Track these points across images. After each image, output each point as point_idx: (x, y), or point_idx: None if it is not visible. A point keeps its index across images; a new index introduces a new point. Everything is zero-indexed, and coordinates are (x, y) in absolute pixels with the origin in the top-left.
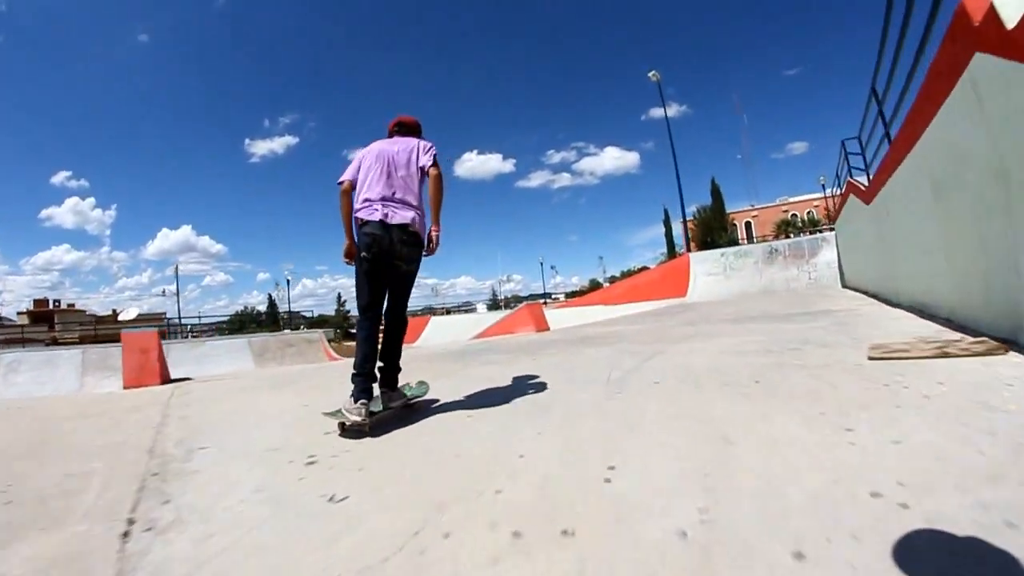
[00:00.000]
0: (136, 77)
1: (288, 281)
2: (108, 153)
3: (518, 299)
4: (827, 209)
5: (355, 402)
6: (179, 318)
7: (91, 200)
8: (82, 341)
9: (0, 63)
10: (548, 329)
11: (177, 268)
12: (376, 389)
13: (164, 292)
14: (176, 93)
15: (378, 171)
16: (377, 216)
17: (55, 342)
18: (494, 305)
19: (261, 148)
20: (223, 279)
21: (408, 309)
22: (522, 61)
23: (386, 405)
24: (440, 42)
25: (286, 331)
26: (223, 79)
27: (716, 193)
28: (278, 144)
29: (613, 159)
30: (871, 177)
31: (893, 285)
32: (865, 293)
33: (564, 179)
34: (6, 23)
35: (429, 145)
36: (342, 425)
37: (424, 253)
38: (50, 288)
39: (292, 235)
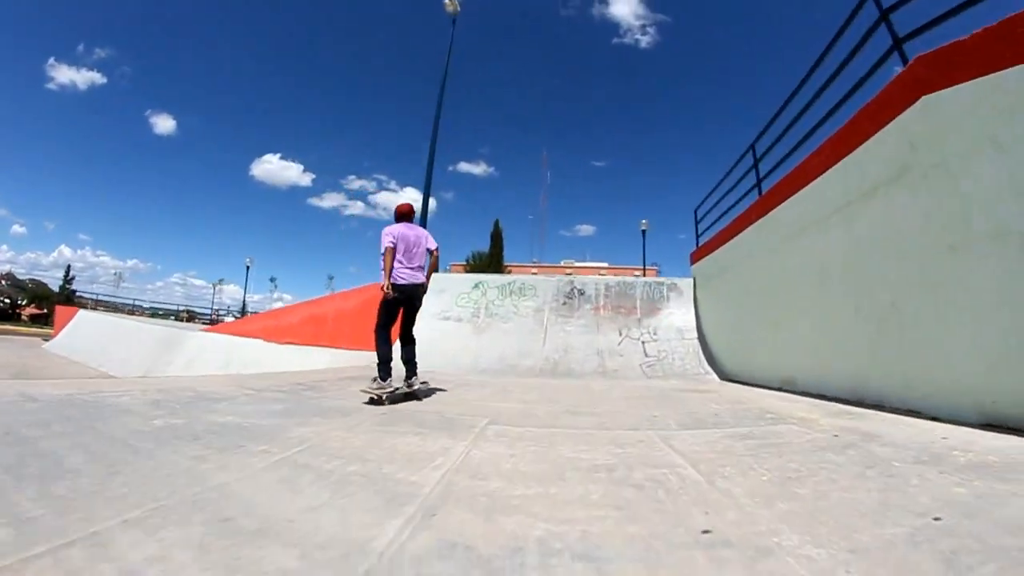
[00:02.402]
0: None
1: None
2: None
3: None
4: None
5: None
6: None
7: None
8: None
9: None
10: None
11: None
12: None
13: None
14: None
15: (403, 249)
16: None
17: None
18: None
19: (64, 75)
20: None
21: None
22: (348, 82)
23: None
24: (280, 35)
25: None
26: None
27: (497, 238)
28: (83, 78)
29: (411, 200)
30: None
31: None
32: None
33: (358, 207)
34: None
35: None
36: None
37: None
38: None
39: (65, 189)
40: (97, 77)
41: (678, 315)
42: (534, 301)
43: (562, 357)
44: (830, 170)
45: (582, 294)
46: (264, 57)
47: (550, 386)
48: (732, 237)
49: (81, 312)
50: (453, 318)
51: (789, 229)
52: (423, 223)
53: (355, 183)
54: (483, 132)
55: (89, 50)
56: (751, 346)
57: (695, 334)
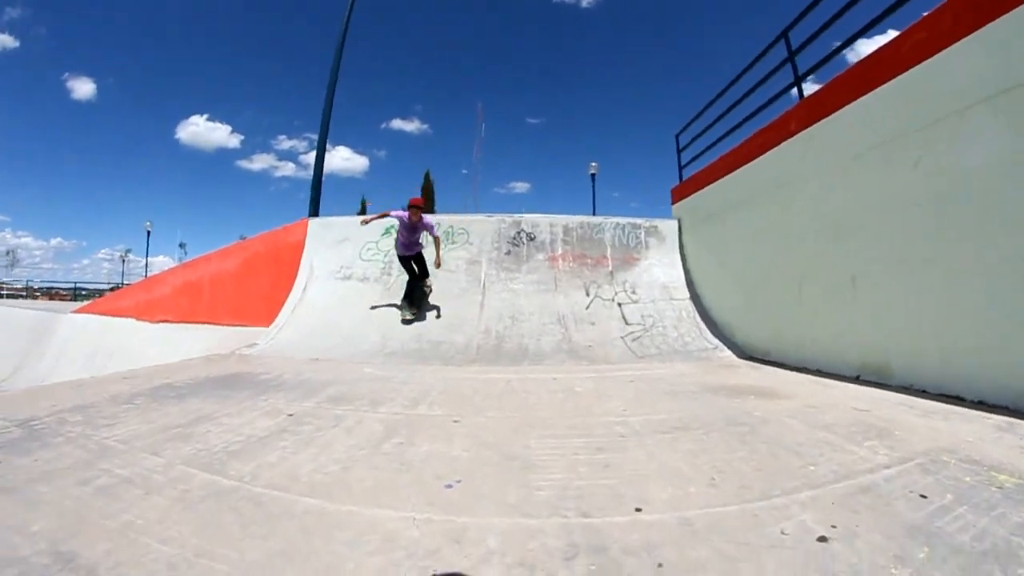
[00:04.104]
0: None
1: None
2: None
3: None
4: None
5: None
6: None
7: None
8: None
9: None
10: None
11: None
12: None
13: None
14: None
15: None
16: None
17: None
18: None
19: None
20: None
21: None
22: (280, 40)
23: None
24: None
25: None
26: None
27: (428, 190)
28: None
29: (342, 159)
30: None
31: None
32: None
33: (288, 168)
34: None
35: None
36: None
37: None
38: None
39: None
40: (8, 40)
41: (661, 268)
42: (467, 250)
43: (509, 328)
44: (972, 37)
45: (532, 239)
46: (188, 13)
47: (496, 390)
48: (746, 162)
49: None
50: (356, 276)
51: (870, 139)
52: (317, 180)
53: (285, 143)
54: (417, 89)
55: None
56: (791, 314)
57: (686, 293)
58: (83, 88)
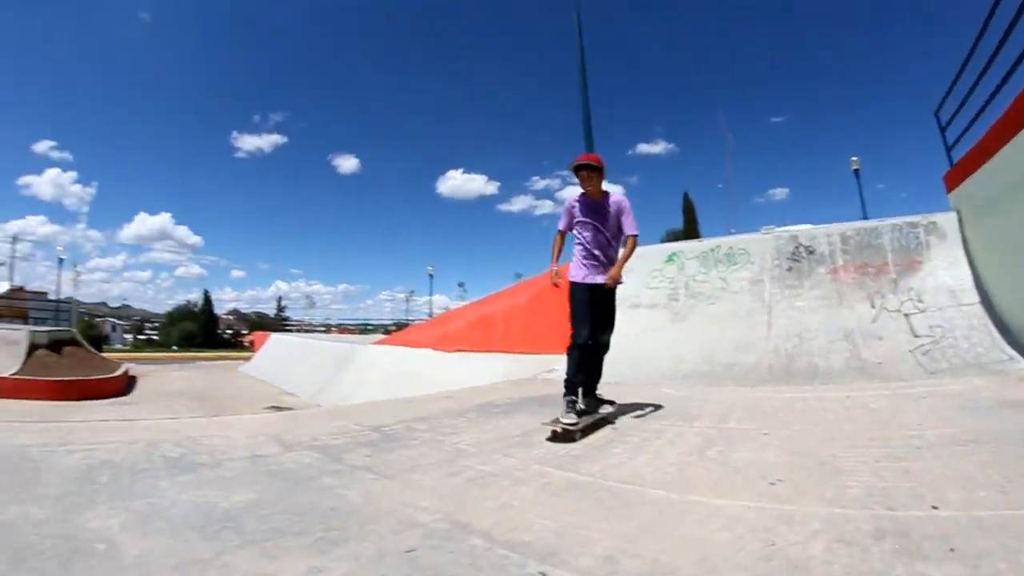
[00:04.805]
0: (131, 53)
1: None
2: (95, 128)
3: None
4: None
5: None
6: None
7: (72, 174)
8: None
9: None
10: None
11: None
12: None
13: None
14: (169, 75)
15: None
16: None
17: None
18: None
19: (248, 144)
20: (197, 272)
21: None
22: (518, 87)
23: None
24: (439, 57)
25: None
26: (217, 67)
27: (689, 210)
28: (265, 141)
29: None
30: None
31: None
32: None
33: (547, 206)
34: None
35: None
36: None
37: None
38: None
39: (271, 235)
40: (278, 138)
41: (945, 270)
42: (748, 270)
43: (796, 347)
44: None
45: (811, 253)
46: (429, 80)
47: (796, 408)
48: (1014, 134)
49: (272, 335)
50: (644, 304)
51: None
52: None
53: (539, 183)
54: (654, 110)
55: (265, 118)
56: None
57: (975, 296)
58: (347, 163)
